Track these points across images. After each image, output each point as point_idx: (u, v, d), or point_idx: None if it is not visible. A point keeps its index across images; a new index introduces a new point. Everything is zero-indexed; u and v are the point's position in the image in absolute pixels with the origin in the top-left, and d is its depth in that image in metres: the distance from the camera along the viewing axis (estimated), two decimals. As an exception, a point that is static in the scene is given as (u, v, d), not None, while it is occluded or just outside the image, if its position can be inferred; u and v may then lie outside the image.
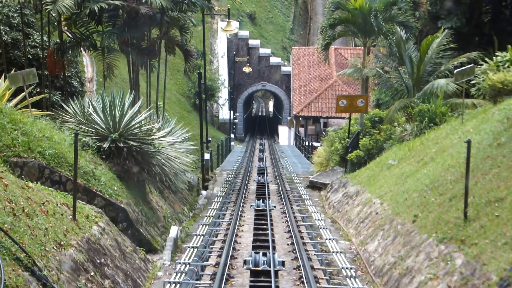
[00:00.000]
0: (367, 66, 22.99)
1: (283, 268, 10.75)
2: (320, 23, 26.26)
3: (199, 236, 12.79)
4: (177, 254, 12.54)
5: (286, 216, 15.89)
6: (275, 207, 17.52)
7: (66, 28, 19.43)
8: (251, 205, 17.57)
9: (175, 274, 10.06)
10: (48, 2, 16.38)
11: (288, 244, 13.08)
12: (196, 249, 11.63)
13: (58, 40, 18.94)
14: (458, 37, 22.23)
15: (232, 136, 48.75)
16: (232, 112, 52.29)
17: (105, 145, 12.86)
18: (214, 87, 50.08)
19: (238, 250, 12.55)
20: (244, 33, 59.93)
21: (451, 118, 16.83)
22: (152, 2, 18.42)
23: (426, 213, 10.44)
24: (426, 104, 17.55)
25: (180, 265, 10.45)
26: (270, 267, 10.38)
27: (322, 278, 10.47)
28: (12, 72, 14.30)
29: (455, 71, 15.22)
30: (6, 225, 7.09)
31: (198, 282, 9.99)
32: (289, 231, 14.11)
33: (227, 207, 17.53)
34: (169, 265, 11.57)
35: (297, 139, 46.21)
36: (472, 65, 15.57)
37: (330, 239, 12.70)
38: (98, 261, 8.86)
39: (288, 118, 53.02)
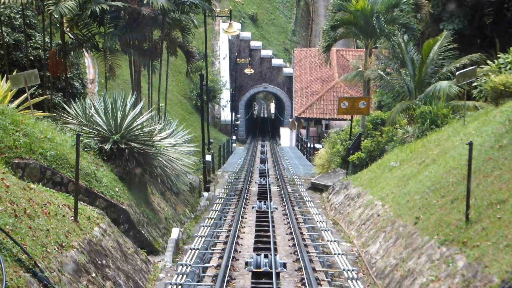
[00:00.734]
0: (368, 68, 22.98)
1: (285, 270, 10.75)
2: (322, 26, 26.28)
3: (200, 238, 12.79)
4: (178, 255, 12.54)
5: (287, 218, 15.89)
6: (276, 208, 17.51)
7: (68, 29, 19.44)
8: (253, 207, 17.56)
9: (176, 275, 10.06)
10: (50, 3, 16.39)
11: (289, 246, 13.07)
12: (197, 250, 11.63)
13: (60, 42, 18.95)
14: (460, 39, 22.21)
15: (234, 137, 48.76)
16: (233, 113, 52.30)
17: (107, 146, 12.87)
18: (216, 89, 50.10)
19: (240, 251, 12.54)
20: (246, 34, 59.98)
21: (453, 120, 16.81)
22: (154, 4, 18.43)
23: (427, 215, 10.43)
24: (428, 106, 17.54)
25: (181, 266, 10.45)
26: (271, 268, 10.37)
27: (323, 280, 10.46)
28: (14, 73, 14.31)
29: (457, 73, 15.21)
30: (7, 227, 7.10)
31: (199, 283, 9.99)
32: (290, 233, 14.10)
33: (229, 209, 17.52)
34: (171, 266, 11.57)
35: (298, 141, 46.20)
36: (474, 67, 15.56)
37: (331, 241, 12.69)
38: (99, 262, 8.85)
39: (290, 119, 53.03)
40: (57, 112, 15.47)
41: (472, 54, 19.25)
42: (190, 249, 11.78)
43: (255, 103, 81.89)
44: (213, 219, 15.18)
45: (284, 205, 17.93)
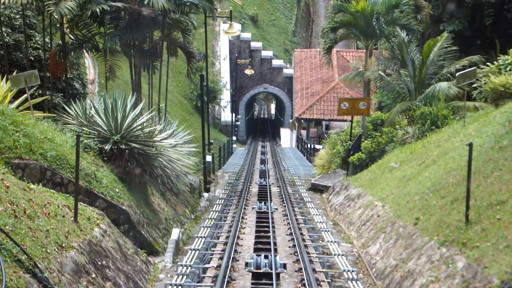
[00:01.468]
0: (369, 69, 22.99)
1: (285, 271, 10.75)
2: (322, 26, 26.29)
3: (200, 238, 12.78)
4: (178, 256, 12.54)
5: (287, 219, 15.89)
6: (276, 209, 17.52)
7: (68, 30, 19.45)
8: (253, 207, 17.56)
9: (176, 276, 10.06)
10: (51, 3, 16.40)
11: (289, 247, 13.07)
12: (197, 251, 11.63)
13: (60, 42, 18.96)
14: (460, 40, 22.22)
15: (234, 138, 48.78)
16: (234, 114, 52.31)
17: (107, 147, 12.87)
18: (216, 89, 50.12)
19: (240, 252, 12.54)
20: (246, 35, 60.01)
21: (453, 121, 16.81)
22: (154, 4, 18.44)
23: (427, 216, 10.43)
24: (428, 107, 17.54)
25: (181, 267, 10.45)
26: (271, 269, 10.37)
27: (323, 281, 10.46)
28: (14, 74, 14.32)
29: (457, 74, 15.21)
30: (7, 227, 7.10)
31: (199, 284, 9.99)
32: (290, 234, 14.10)
33: (229, 209, 17.52)
34: (171, 267, 11.57)
35: (299, 142, 46.21)
36: (474, 68, 15.56)
37: (331, 241, 12.69)
38: (99, 263, 8.86)
39: (290, 120, 53.04)
40: (57, 113, 15.47)
41: (472, 55, 19.25)
42: (190, 249, 11.78)
43: (255, 103, 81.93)
44: (213, 220, 15.18)
45: (284, 206, 17.93)
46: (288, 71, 59.12)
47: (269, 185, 22.34)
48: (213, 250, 12.39)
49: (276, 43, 70.12)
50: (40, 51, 19.32)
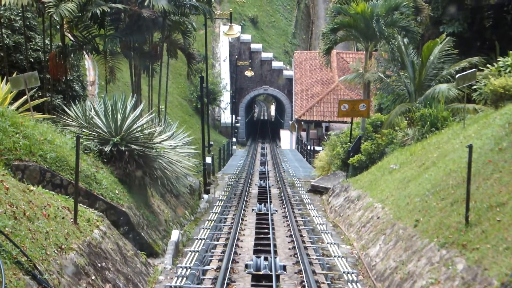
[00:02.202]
0: (369, 70, 23.00)
1: (285, 273, 10.74)
2: (322, 28, 26.31)
3: (200, 240, 12.78)
4: (178, 258, 12.53)
5: (287, 220, 15.88)
6: (276, 211, 17.51)
7: (68, 31, 19.47)
8: (253, 209, 17.56)
9: (176, 278, 10.06)
10: (51, 5, 16.41)
11: (289, 248, 13.07)
12: (197, 253, 11.62)
13: (60, 44, 18.97)
14: (460, 42, 22.23)
15: (234, 140, 48.79)
16: (234, 116, 52.34)
17: (107, 148, 12.87)
18: (216, 91, 50.15)
19: (240, 254, 12.54)
20: (246, 37, 60.05)
21: (452, 123, 16.82)
22: (154, 6, 18.46)
23: (427, 217, 10.43)
24: (428, 108, 17.55)
25: (181, 269, 10.45)
26: (271, 271, 10.36)
27: (323, 283, 10.45)
28: (14, 75, 14.33)
29: (457, 76, 15.22)
30: (7, 229, 7.09)
31: (199, 286, 9.98)
32: (290, 235, 14.09)
33: (229, 211, 17.52)
34: (170, 269, 11.56)
35: (298, 143, 46.22)
36: (474, 70, 15.57)
37: (331, 243, 12.68)
38: (99, 265, 8.85)
39: (290, 122, 53.06)
40: (57, 114, 15.47)
41: (472, 57, 19.27)
42: (190, 251, 11.78)
43: (255, 105, 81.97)
44: (213, 222, 15.18)
45: (284, 208, 17.92)
46: (288, 72, 59.15)
47: (269, 187, 22.34)
48: (213, 252, 12.38)
49: (276, 45, 70.18)
50: (40, 52, 19.33)
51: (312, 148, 37.87)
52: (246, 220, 16.25)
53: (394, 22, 22.61)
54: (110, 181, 12.18)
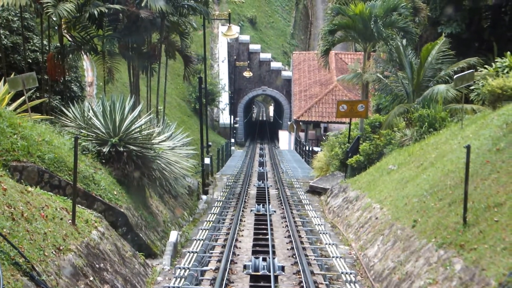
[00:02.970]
0: (367, 71, 23.02)
1: (283, 273, 10.73)
2: (321, 29, 26.33)
3: (199, 241, 12.78)
4: (176, 259, 12.53)
5: (286, 221, 15.88)
6: (275, 211, 17.51)
7: (66, 32, 19.46)
8: (251, 210, 17.56)
9: (174, 279, 10.06)
10: (49, 5, 16.40)
11: (288, 249, 13.07)
12: (195, 254, 11.62)
13: (58, 44, 18.96)
14: (457, 42, 22.27)
15: (233, 140, 48.78)
16: (232, 116, 52.33)
17: (105, 149, 12.86)
18: (215, 92, 50.15)
19: (238, 255, 12.54)
20: (245, 37, 60.06)
21: (450, 123, 16.84)
22: (152, 6, 18.46)
23: (425, 218, 10.44)
24: (426, 109, 17.57)
25: (179, 270, 10.45)
26: (270, 272, 10.36)
27: (321, 283, 10.46)
28: (12, 76, 14.32)
29: (455, 76, 15.24)
30: (5, 230, 7.09)
31: (197, 287, 9.98)
32: (289, 236, 14.10)
33: (227, 212, 17.51)
34: (169, 270, 11.56)
35: (297, 144, 46.23)
36: (472, 70, 15.59)
37: (330, 244, 12.69)
38: (97, 266, 8.85)
39: (289, 122, 53.07)
40: (55, 115, 15.47)
41: (470, 58, 19.30)
42: (189, 252, 11.77)
43: (254, 106, 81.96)
44: (211, 222, 15.18)
45: (283, 208, 17.93)
46: (286, 73, 59.17)
47: (268, 188, 22.34)
48: (211, 253, 12.39)
49: (275, 46, 70.19)
50: (38, 53, 19.32)
51: (310, 149, 37.89)
52: (244, 221, 16.25)
53: (392, 23, 22.63)
54: (109, 182, 12.17)
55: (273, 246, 12.80)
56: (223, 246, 12.78)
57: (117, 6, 18.51)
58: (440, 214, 9.95)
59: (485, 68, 16.86)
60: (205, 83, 29.63)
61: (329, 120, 45.34)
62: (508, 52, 16.74)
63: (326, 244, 12.79)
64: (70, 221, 9.04)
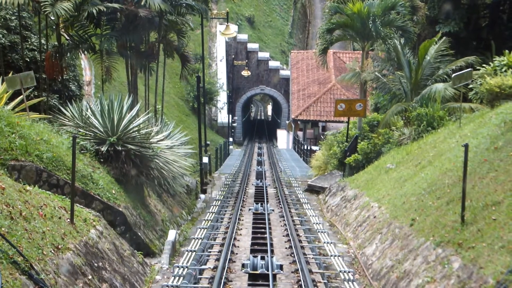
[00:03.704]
0: (365, 70, 23.02)
1: (281, 272, 10.75)
2: (319, 27, 26.33)
3: (197, 240, 12.78)
4: (175, 257, 12.53)
5: (284, 220, 15.89)
6: (273, 210, 17.52)
7: (64, 31, 19.43)
8: (250, 209, 17.57)
9: (173, 277, 10.06)
10: (47, 4, 16.38)
11: (286, 248, 13.08)
12: (194, 252, 11.63)
13: (56, 43, 18.94)
14: (456, 41, 22.28)
15: (231, 139, 48.75)
16: (230, 115, 52.29)
17: (103, 148, 12.86)
18: (213, 91, 50.11)
19: (237, 253, 12.55)
20: (243, 36, 60.01)
21: (448, 122, 16.85)
22: (151, 5, 18.42)
23: (423, 216, 10.45)
24: (424, 108, 17.58)
25: (178, 268, 10.45)
26: (268, 270, 10.37)
27: (320, 282, 10.48)
28: (10, 75, 14.31)
29: (453, 75, 15.26)
30: (3, 229, 7.09)
31: (196, 285, 9.99)
32: (287, 235, 14.11)
33: (226, 211, 17.52)
34: (167, 268, 11.56)
35: (295, 143, 46.23)
36: (470, 69, 15.61)
37: (328, 242, 12.70)
38: (95, 264, 8.85)
39: (287, 122, 53.06)
40: (53, 114, 15.46)
41: (468, 57, 19.30)
42: (187, 251, 11.78)
43: (252, 105, 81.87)
44: (210, 221, 15.18)
45: (281, 207, 17.94)
46: (284, 72, 59.15)
47: (266, 187, 22.35)
48: (210, 252, 12.39)
49: (273, 45, 70.15)
50: (36, 52, 19.29)
51: (308, 148, 37.88)
52: (243, 220, 16.26)
53: (390, 22, 22.64)
54: (107, 181, 12.17)
55: (271, 244, 12.82)
56: (222, 245, 12.79)
57: (115, 5, 18.48)
58: (438, 213, 9.97)
59: (483, 66, 16.88)
60: (203, 82, 29.62)
61: (327, 119, 45.33)
62: (506, 51, 16.76)
63: (324, 242, 12.80)
64: (68, 220, 9.04)
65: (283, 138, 53.46)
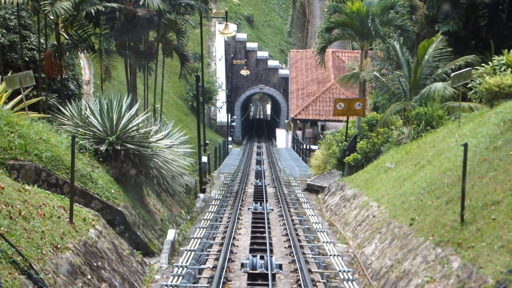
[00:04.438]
0: (364, 69, 23.01)
1: (281, 271, 10.75)
2: (318, 27, 26.32)
3: (196, 239, 12.77)
4: (174, 257, 12.53)
5: (283, 219, 15.89)
6: (272, 210, 17.51)
7: (63, 30, 19.42)
8: (249, 208, 17.56)
9: (172, 277, 10.06)
10: (46, 3, 16.37)
11: (285, 247, 13.08)
12: (193, 252, 11.62)
13: (55, 43, 18.92)
14: (455, 40, 22.28)
15: (230, 139, 48.75)
16: (229, 115, 52.27)
17: (103, 148, 12.85)
18: (212, 90, 50.09)
19: (236, 253, 12.55)
20: (242, 36, 60.00)
21: (448, 121, 16.85)
22: (149, 5, 18.42)
23: (423, 216, 10.46)
24: (423, 107, 17.57)
25: (177, 268, 10.44)
26: (267, 270, 10.37)
27: (319, 281, 10.47)
28: (9, 74, 14.29)
29: (452, 74, 15.25)
30: (2, 228, 7.08)
31: (195, 285, 9.98)
32: (286, 234, 14.10)
33: (225, 210, 17.51)
34: (167, 268, 11.56)
35: (294, 142, 46.23)
36: (469, 68, 15.61)
37: (327, 242, 12.70)
38: (95, 264, 8.84)
39: (286, 121, 53.05)
40: (52, 114, 15.45)
41: (467, 56, 19.30)
42: (186, 250, 11.77)
43: (251, 104, 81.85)
44: (209, 221, 15.17)
45: (280, 207, 17.93)
46: (283, 71, 59.14)
47: (265, 186, 22.34)
48: (209, 251, 12.39)
49: (272, 44, 70.14)
50: (35, 51, 19.28)
51: (308, 147, 37.87)
52: (242, 219, 16.26)
53: (389, 21, 22.63)
54: (106, 180, 12.17)
55: (270, 244, 12.82)
56: (221, 244, 12.79)
57: (114, 5, 18.47)
58: (438, 212, 9.97)
59: (482, 66, 16.86)
60: (202, 82, 29.61)
61: (326, 118, 45.32)
62: (505, 50, 16.76)
63: (323, 242, 12.80)
64: (67, 219, 9.03)
65: (282, 137, 53.45)
